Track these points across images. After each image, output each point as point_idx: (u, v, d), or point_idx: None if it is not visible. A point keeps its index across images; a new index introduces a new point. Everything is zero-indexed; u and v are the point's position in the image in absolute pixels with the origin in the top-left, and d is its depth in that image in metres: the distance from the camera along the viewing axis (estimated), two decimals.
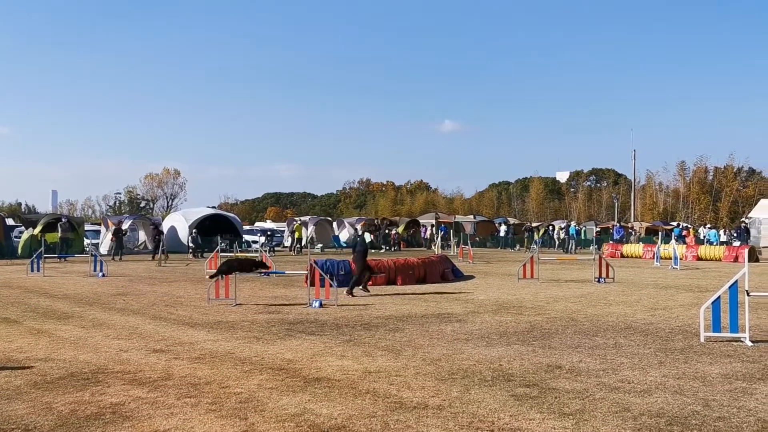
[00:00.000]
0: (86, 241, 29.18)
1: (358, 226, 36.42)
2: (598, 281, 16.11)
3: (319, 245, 36.80)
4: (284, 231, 41.55)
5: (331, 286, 11.78)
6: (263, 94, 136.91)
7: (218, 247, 20.92)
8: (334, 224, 43.44)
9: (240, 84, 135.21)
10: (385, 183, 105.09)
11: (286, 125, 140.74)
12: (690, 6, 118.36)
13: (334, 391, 5.57)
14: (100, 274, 18.08)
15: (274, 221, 64.90)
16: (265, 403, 5.23)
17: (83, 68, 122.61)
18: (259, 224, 57.82)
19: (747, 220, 34.34)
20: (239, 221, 39.93)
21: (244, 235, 36.78)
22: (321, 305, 11.14)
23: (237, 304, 11.37)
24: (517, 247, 41.49)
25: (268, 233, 38.84)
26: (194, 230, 31.74)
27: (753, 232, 33.96)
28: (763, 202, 39.18)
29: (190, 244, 30.96)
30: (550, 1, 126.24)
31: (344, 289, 12.94)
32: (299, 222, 37.73)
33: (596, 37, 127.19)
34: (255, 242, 33.91)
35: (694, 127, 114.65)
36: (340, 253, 33.24)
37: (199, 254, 29.51)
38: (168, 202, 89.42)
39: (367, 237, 13.79)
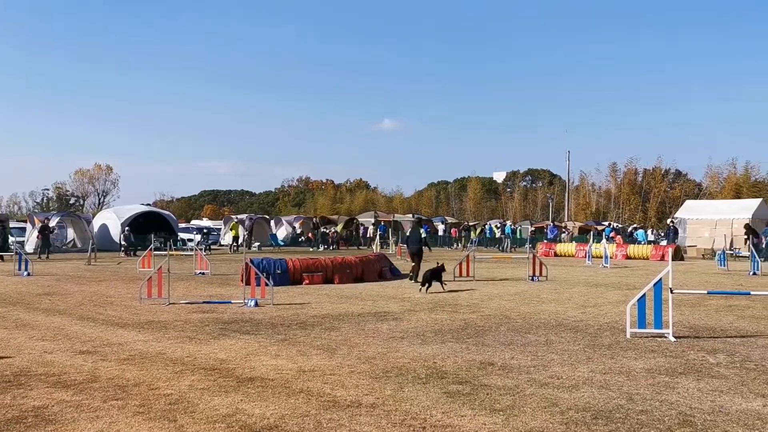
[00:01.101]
0: (11, 239, 28.04)
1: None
2: (532, 279, 16.45)
3: (257, 244, 36.39)
4: (221, 229, 40.93)
5: (267, 284, 11.66)
6: (200, 90, 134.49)
7: (151, 245, 20.45)
8: (272, 222, 43.04)
9: (176, 79, 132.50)
10: (324, 181, 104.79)
11: (225, 121, 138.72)
12: (621, 10, 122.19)
13: (267, 391, 5.51)
14: (25, 273, 17.42)
15: (210, 219, 63.86)
16: (195, 404, 5.13)
17: (4, 61, 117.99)
18: (195, 222, 56.80)
19: (674, 220, 35.68)
20: (174, 219, 39.12)
21: (179, 234, 36.05)
22: (256, 304, 11.01)
23: (170, 304, 11.12)
24: (455, 246, 42.00)
25: (204, 231, 38.16)
26: (127, 228, 30.91)
27: (679, 232, 35.30)
28: (688, 203, 40.81)
29: (123, 242, 30.16)
30: (489, 3, 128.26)
31: (280, 288, 12.91)
32: (236, 220, 37.23)
33: (532, 40, 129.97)
34: (190, 240, 33.27)
35: (626, 129, 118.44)
36: (278, 251, 32.96)
37: (132, 252, 28.78)
38: (100, 199, 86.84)
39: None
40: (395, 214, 52.42)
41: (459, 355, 7.04)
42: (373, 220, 45.43)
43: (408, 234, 17.81)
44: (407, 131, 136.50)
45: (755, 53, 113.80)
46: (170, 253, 15.01)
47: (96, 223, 34.11)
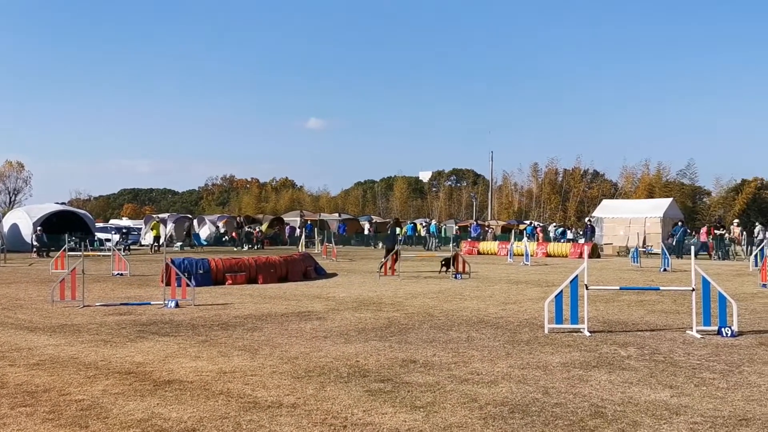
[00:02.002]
0: None
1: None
2: (455, 277, 16.70)
3: (179, 243, 35.53)
4: (141, 228, 39.76)
5: (188, 285, 11.40)
6: (120, 85, 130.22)
7: (65, 245, 19.67)
8: (195, 222, 42.13)
9: (93, 72, 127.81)
10: (249, 180, 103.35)
11: (146, 118, 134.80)
12: (540, 11, 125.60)
13: (185, 394, 5.38)
14: None
15: (131, 218, 61.91)
16: (109, 409, 4.96)
17: None
18: (114, 222, 54.99)
19: (591, 219, 36.93)
20: (91, 218, 37.74)
21: (96, 233, 34.80)
22: (177, 305, 10.75)
23: (84, 306, 10.73)
24: (380, 245, 42.19)
25: (124, 231, 36.99)
26: (39, 228, 29.61)
27: (596, 230, 36.57)
28: (605, 202, 42.31)
29: (35, 243, 28.89)
30: (420, 3, 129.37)
31: (202, 288, 12.67)
32: (157, 219, 36.24)
33: (457, 41, 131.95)
34: (108, 240, 32.16)
35: (547, 130, 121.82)
36: (201, 251, 32.27)
37: (45, 253, 27.61)
38: (10, 198, 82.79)
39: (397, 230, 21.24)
40: (321, 214, 52.25)
41: (382, 353, 7.07)
42: (299, 220, 45.13)
43: (387, 232, 20.92)
44: (334, 130, 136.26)
45: (663, 54, 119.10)
46: (86, 253, 14.47)
47: (6, 223, 32.54)
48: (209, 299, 11.90)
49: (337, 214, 53.48)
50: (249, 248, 36.17)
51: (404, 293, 13.16)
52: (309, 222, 43.86)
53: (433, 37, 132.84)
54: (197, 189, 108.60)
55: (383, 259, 18.34)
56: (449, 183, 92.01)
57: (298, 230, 42.45)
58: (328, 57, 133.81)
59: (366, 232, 45.67)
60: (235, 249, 35.85)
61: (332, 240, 30.59)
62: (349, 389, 5.54)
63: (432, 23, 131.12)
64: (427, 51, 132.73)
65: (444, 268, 17.48)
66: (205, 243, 38.49)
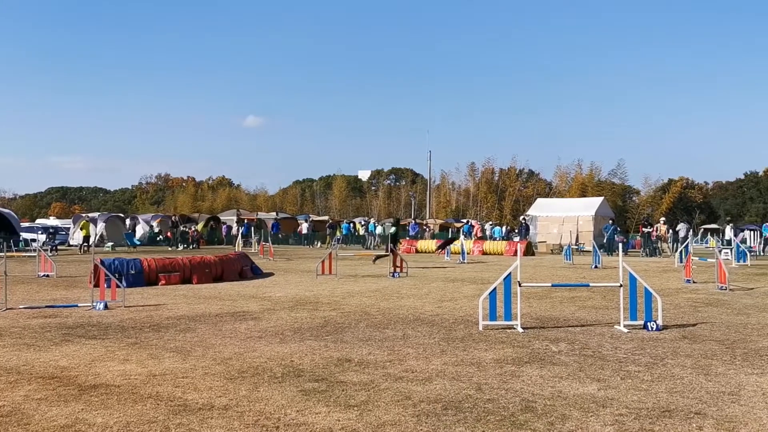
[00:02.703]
0: None
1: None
2: (393, 276, 16.77)
3: (110, 244, 34.52)
4: (70, 228, 38.46)
5: (118, 286, 11.07)
6: (47, 80, 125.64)
7: None
8: (128, 221, 41.03)
9: (18, 66, 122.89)
10: (185, 178, 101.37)
11: (74, 114, 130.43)
12: (482, 12, 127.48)
13: (112, 398, 5.22)
14: None
15: (59, 218, 59.78)
16: (30, 415, 4.76)
17: None
18: (41, 221, 52.97)
19: (526, 218, 37.67)
20: (16, 218, 36.29)
21: (21, 233, 33.48)
22: (106, 307, 10.43)
23: (7, 309, 10.29)
24: (318, 244, 42.01)
25: (51, 231, 35.69)
26: None
27: (531, 228, 37.33)
28: (539, 201, 43.27)
29: None
30: (356, 2, 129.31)
31: (134, 289, 12.34)
32: (87, 219, 35.12)
33: (396, 40, 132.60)
34: (34, 241, 30.97)
35: (483, 130, 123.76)
36: (133, 251, 31.44)
37: None
38: None
39: (392, 229, 21.96)
40: (259, 213, 51.65)
41: (317, 352, 7.03)
42: (235, 219, 44.50)
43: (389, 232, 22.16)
44: (272, 128, 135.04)
45: (594, 54, 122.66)
46: (9, 254, 13.88)
47: None
48: (141, 300, 11.60)
49: (274, 213, 52.97)
50: (184, 248, 35.46)
51: (341, 292, 13.13)
52: (246, 221, 43.27)
53: (372, 36, 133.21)
54: (130, 188, 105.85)
55: (378, 255, 20.67)
56: (388, 182, 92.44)
57: (234, 229, 41.86)
58: (267, 54, 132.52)
59: (305, 231, 45.35)
60: (169, 249, 35.08)
61: (269, 239, 30.26)
62: (282, 389, 5.48)
63: (371, 21, 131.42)
64: (366, 50, 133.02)
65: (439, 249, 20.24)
66: (138, 243, 37.52)
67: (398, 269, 17.10)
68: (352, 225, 46.79)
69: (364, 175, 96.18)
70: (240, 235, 35.64)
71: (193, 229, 39.28)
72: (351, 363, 6.50)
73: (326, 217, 55.04)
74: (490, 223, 48.98)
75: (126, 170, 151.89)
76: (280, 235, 43.68)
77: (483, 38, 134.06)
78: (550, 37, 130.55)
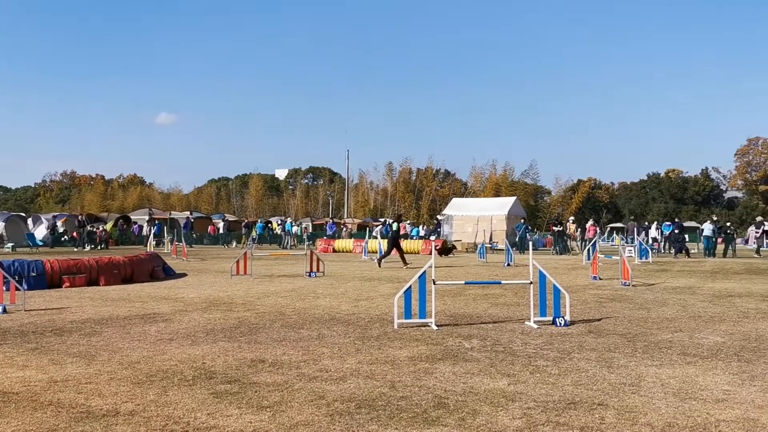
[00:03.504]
0: None
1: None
2: (309, 275, 16.67)
3: (10, 244, 32.77)
4: None
5: (17, 289, 10.52)
6: None
7: None
8: (29, 221, 39.08)
9: None
10: (93, 176, 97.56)
11: None
12: (396, 14, 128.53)
13: (9, 406, 4.94)
14: None
15: None
16: None
17: None
18: None
19: (440, 217, 38.26)
20: None
21: None
22: (4, 311, 9.89)
23: None
24: (234, 244, 41.31)
25: None
26: None
27: (446, 227, 37.96)
28: (455, 200, 44.05)
29: None
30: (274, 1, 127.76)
31: (36, 292, 11.76)
32: None
33: (311, 37, 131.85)
34: None
35: (401, 130, 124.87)
36: (36, 252, 29.97)
37: None
38: None
39: (394, 225, 21.60)
40: (172, 212, 50.29)
41: (230, 354, 6.89)
42: (147, 218, 43.14)
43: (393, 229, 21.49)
44: (186, 125, 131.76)
45: (506, 57, 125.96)
46: None
47: None
48: (43, 303, 11.06)
49: (188, 212, 51.69)
50: (91, 248, 34.10)
51: (256, 292, 12.94)
52: (157, 221, 42.02)
53: (288, 31, 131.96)
54: (33, 186, 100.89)
55: (380, 256, 20.84)
56: (306, 181, 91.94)
57: (145, 229, 40.59)
58: (179, 49, 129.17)
59: (221, 230, 44.48)
60: (75, 249, 33.65)
61: (182, 239, 29.50)
62: (193, 392, 5.34)
63: (289, 18, 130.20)
64: (285, 47, 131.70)
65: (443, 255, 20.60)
66: (41, 243, 35.79)
67: (316, 269, 17.00)
68: (268, 224, 46.23)
69: (281, 173, 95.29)
70: (152, 234, 34.57)
71: (101, 228, 37.81)
72: (265, 364, 6.41)
73: (240, 218, 54.17)
74: (409, 222, 49.47)
75: (28, 168, 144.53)
76: (194, 235, 42.68)
77: (401, 38, 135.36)
78: (465, 38, 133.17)
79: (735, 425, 4.46)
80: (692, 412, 4.78)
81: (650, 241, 31.08)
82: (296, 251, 28.53)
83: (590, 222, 34.43)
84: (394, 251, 20.55)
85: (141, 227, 42.41)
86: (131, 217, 46.36)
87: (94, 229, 37.32)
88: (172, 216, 46.74)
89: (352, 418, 4.65)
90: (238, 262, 16.56)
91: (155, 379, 5.78)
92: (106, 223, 41.41)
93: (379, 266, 20.25)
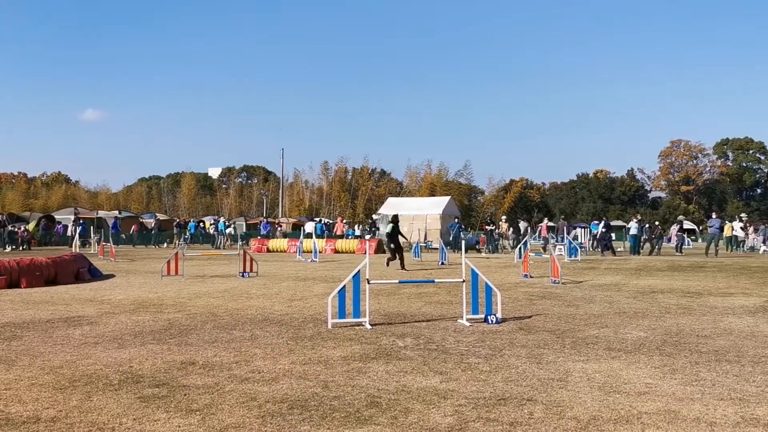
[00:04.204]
0: None
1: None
2: (243, 276, 16.44)
3: None
4: None
5: None
6: None
7: None
8: None
9: None
10: (15, 174, 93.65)
11: None
12: (321, 13, 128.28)
13: None
14: None
15: None
16: None
17: None
18: None
19: (376, 216, 38.37)
20: None
21: None
22: None
23: None
24: (165, 244, 40.37)
25: None
26: None
27: (382, 227, 38.08)
28: (390, 200, 44.27)
29: None
30: None
31: None
32: None
33: (243, 35, 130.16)
34: None
35: (336, 129, 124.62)
36: None
37: None
38: None
39: (389, 228, 20.43)
40: (99, 211, 48.78)
41: (159, 356, 6.72)
42: (72, 217, 41.69)
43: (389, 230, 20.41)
44: (114, 122, 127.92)
45: (440, 59, 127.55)
46: None
47: None
48: None
49: (116, 212, 50.20)
50: (12, 249, 32.72)
51: (188, 293, 12.67)
52: (83, 220, 40.66)
53: (223, 29, 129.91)
54: None
55: (389, 258, 20.00)
56: (240, 180, 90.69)
57: (70, 229, 39.21)
58: (106, 43, 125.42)
59: (153, 230, 43.36)
60: (6, 250, 32.21)
61: (110, 239, 28.63)
62: (119, 397, 5.18)
63: (223, 14, 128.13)
64: (217, 44, 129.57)
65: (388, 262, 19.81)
66: None
67: (249, 269, 16.76)
68: (201, 224, 45.38)
69: (214, 172, 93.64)
70: (77, 234, 33.39)
71: (22, 228, 36.31)
72: (195, 366, 6.28)
73: (181, 219, 53.06)
74: (344, 221, 49.40)
75: None
76: (123, 235, 41.49)
77: (336, 36, 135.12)
78: (401, 38, 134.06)
79: (656, 417, 4.63)
80: (616, 405, 4.93)
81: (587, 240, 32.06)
82: (229, 251, 28.10)
83: (544, 221, 35.12)
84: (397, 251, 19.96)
85: (66, 227, 40.94)
86: (55, 216, 44.69)
87: (16, 229, 35.80)
88: (99, 215, 45.26)
89: (284, 419, 4.60)
90: (169, 262, 16.18)
91: (79, 384, 5.58)
92: (28, 222, 39.81)
93: (387, 265, 19.83)
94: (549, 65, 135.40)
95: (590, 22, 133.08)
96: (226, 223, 43.13)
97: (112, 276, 16.91)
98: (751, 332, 8.22)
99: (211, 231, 43.24)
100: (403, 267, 19.29)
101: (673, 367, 6.20)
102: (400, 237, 20.46)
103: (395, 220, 20.70)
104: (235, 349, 7.09)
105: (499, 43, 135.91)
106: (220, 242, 38.88)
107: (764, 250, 33.53)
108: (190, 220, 46.95)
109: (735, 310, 10.36)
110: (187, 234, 39.76)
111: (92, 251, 29.98)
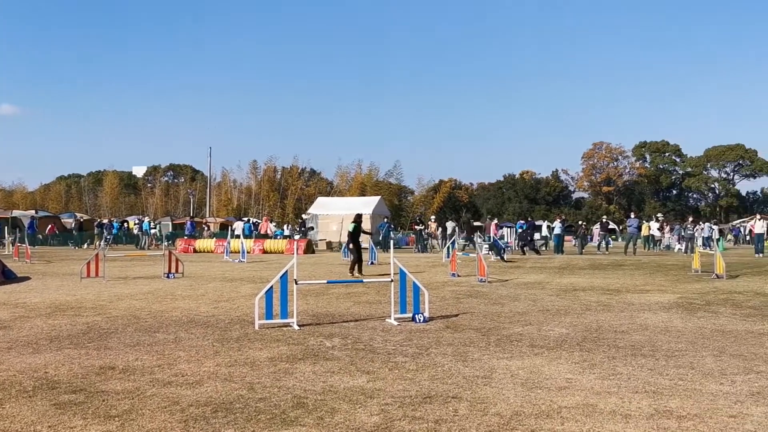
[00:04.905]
0: None
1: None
2: (168, 277, 16.04)
3: None
4: None
5: None
6: None
7: None
8: None
9: None
10: None
11: None
12: (241, 13, 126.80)
13: None
14: None
15: None
16: None
17: None
18: None
19: (305, 216, 38.16)
20: None
21: None
22: None
23: None
24: (86, 245, 38.99)
25: None
26: None
27: (312, 227, 37.90)
28: (320, 199, 44.09)
29: None
30: None
31: None
32: None
33: (171, 32, 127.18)
34: None
35: (265, 128, 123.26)
36: None
37: None
38: None
39: (350, 227, 18.77)
40: (14, 211, 46.69)
41: (76, 361, 6.48)
42: None
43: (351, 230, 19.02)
44: (30, 118, 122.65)
45: (368, 61, 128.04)
46: None
47: None
48: None
49: (33, 211, 48.15)
50: None
51: (109, 296, 12.27)
52: None
53: (144, 22, 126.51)
54: None
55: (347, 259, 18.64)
56: (165, 179, 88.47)
57: None
58: (23, 36, 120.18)
59: (75, 230, 41.75)
60: None
61: (26, 239, 27.42)
62: (33, 404, 4.97)
63: (141, 9, 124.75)
64: (138, 39, 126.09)
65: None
66: None
67: (175, 270, 16.36)
68: (125, 224, 44.03)
69: (139, 171, 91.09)
70: None
71: None
72: (115, 371, 6.08)
73: (107, 220, 51.33)
74: (273, 222, 48.91)
75: None
76: (40, 236, 39.81)
77: (265, 36, 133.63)
78: (328, 37, 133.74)
79: (575, 411, 4.77)
80: (538, 400, 5.06)
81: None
82: (154, 252, 27.38)
83: (494, 221, 35.57)
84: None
85: None
86: None
87: None
88: (14, 215, 43.26)
89: (207, 423, 4.51)
90: (89, 263, 15.62)
91: None
92: None
93: (352, 274, 17.56)
94: (475, 68, 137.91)
95: (516, 23, 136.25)
96: (151, 223, 41.99)
97: (27, 278, 16.20)
98: (665, 327, 8.58)
99: (135, 231, 42.02)
100: (360, 271, 17.74)
101: (592, 362, 6.41)
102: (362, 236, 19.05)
103: (358, 219, 18.93)
104: (157, 353, 6.91)
105: (427, 44, 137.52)
106: (145, 242, 37.82)
107: (679, 249, 35.10)
108: (113, 220, 45.48)
109: (651, 306, 10.80)
110: (109, 234, 38.51)
111: (6, 252, 28.67)
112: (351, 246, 18.69)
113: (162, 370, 6.08)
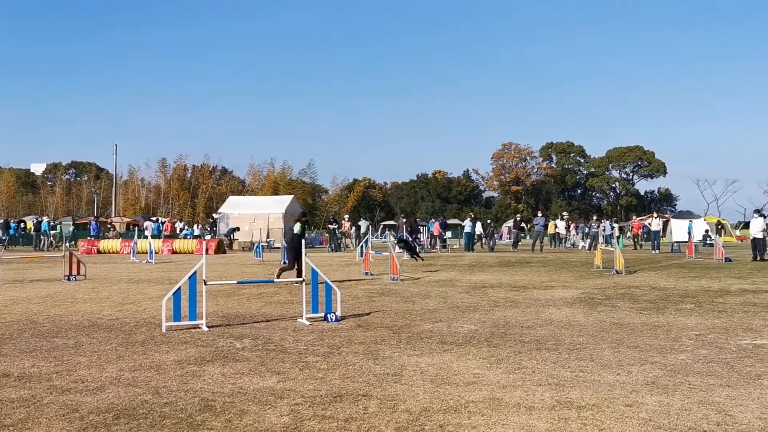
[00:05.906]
0: None
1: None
2: (68, 279, 15.34)
3: None
4: None
5: None
6: None
7: None
8: None
9: None
10: None
11: None
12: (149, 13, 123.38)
13: None
14: None
15: None
16: None
17: None
18: None
19: (216, 215, 37.41)
20: None
21: None
22: None
23: None
24: None
25: None
26: None
27: (222, 226, 37.19)
28: (231, 198, 43.29)
29: None
30: None
31: None
32: None
33: (78, 24, 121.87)
34: None
35: (175, 126, 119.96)
36: None
37: None
38: None
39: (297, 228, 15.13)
40: None
41: None
42: None
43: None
44: None
45: (282, 60, 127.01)
46: None
47: None
48: None
49: None
50: None
51: (3, 300, 11.61)
52: None
53: (48, 17, 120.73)
54: None
55: (283, 265, 15.06)
56: (67, 177, 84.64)
57: None
58: None
59: None
60: None
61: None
62: None
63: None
64: (38, 29, 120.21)
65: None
66: None
67: (76, 273, 15.65)
68: (22, 224, 41.82)
69: (38, 168, 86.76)
70: None
71: None
72: (9, 378, 5.76)
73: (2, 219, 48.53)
74: (182, 221, 47.66)
75: None
76: None
77: (178, 32, 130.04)
78: (241, 36, 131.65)
79: (482, 405, 4.89)
80: (446, 395, 5.15)
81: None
82: (54, 253, 26.15)
83: (438, 221, 35.72)
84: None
85: None
86: None
87: None
88: None
89: (108, 430, 4.34)
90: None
91: None
92: None
93: (277, 278, 13.77)
94: (388, 69, 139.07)
95: (427, 24, 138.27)
96: (51, 223, 40.06)
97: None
98: (569, 322, 8.92)
99: (33, 232, 39.99)
100: (299, 275, 13.37)
101: (498, 357, 6.58)
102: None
103: (304, 219, 16.02)
104: (56, 358, 6.60)
105: (335, 42, 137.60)
106: (44, 243, 36.05)
107: (583, 246, 36.57)
108: (9, 220, 43.10)
109: (555, 302, 11.20)
110: (6, 235, 36.49)
111: None
112: (289, 248, 15.03)
113: (60, 377, 5.81)
